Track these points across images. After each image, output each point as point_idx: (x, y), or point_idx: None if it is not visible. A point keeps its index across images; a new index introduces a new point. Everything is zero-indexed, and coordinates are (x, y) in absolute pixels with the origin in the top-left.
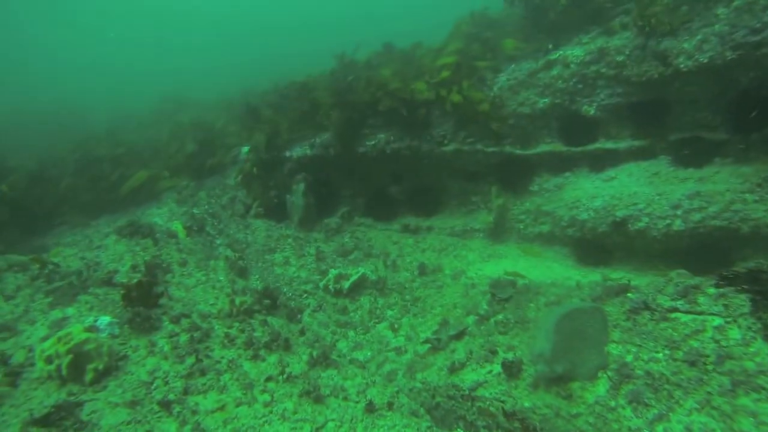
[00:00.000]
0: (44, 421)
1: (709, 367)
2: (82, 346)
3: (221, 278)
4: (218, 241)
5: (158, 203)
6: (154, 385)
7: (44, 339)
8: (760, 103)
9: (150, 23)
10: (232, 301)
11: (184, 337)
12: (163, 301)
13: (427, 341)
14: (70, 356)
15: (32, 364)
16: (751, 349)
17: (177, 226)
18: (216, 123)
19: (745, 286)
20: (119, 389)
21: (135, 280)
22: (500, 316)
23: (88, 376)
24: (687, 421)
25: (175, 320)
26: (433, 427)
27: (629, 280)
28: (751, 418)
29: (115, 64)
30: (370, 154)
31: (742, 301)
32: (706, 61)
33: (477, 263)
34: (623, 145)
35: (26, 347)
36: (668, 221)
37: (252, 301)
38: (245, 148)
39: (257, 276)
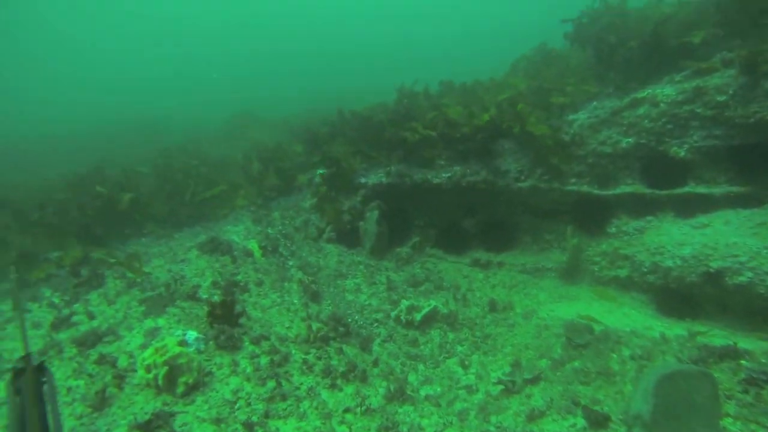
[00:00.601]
0: (145, 426)
1: None
2: (176, 359)
3: (295, 301)
4: (290, 263)
5: (234, 221)
6: (237, 405)
7: (142, 347)
8: None
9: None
10: (309, 327)
11: (264, 360)
12: (242, 320)
13: (500, 382)
14: (166, 368)
15: (134, 370)
16: None
17: (253, 246)
18: (287, 144)
19: None
20: (206, 405)
21: (220, 299)
22: (577, 364)
23: (179, 389)
24: None
25: (256, 341)
26: None
27: (735, 343)
28: None
29: (191, 85)
30: (445, 186)
31: None
32: None
33: (548, 303)
34: (719, 190)
35: (127, 353)
36: None
37: (328, 329)
38: (320, 171)
39: (329, 301)
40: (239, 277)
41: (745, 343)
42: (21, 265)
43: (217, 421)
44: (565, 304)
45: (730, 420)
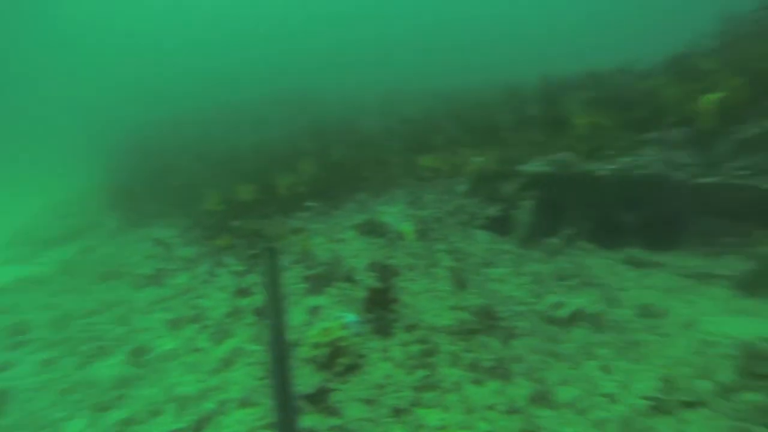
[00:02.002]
0: (312, 398)
1: None
2: (338, 341)
3: (443, 288)
4: (440, 247)
5: (390, 201)
6: (387, 389)
7: (305, 324)
8: None
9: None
10: (457, 318)
11: (414, 348)
12: (395, 306)
13: (646, 397)
14: (329, 348)
15: (298, 345)
16: None
17: (407, 229)
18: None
19: None
20: (359, 386)
21: (378, 286)
22: (756, 396)
23: (338, 368)
24: None
25: (407, 329)
26: None
27: None
28: None
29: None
30: (609, 179)
31: None
32: None
33: (716, 316)
34: None
35: (293, 327)
36: None
37: (476, 320)
38: (477, 158)
39: (476, 290)
40: (393, 261)
41: None
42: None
43: (369, 403)
44: (740, 320)
45: None
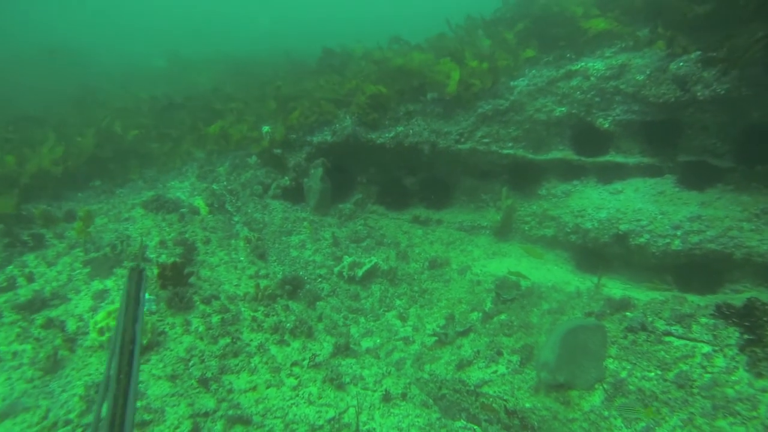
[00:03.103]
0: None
1: (695, 390)
2: None
3: (242, 258)
4: (236, 219)
5: (180, 176)
6: (192, 362)
7: (91, 310)
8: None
9: None
10: (257, 286)
11: (215, 318)
12: (192, 280)
13: (434, 334)
14: None
15: (85, 333)
16: (733, 378)
17: (199, 203)
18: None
19: (735, 320)
20: (161, 363)
21: (170, 261)
22: (504, 317)
23: None
24: None
25: (206, 301)
26: (443, 418)
27: (629, 297)
28: None
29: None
30: (388, 146)
31: (730, 333)
32: (722, 93)
33: (482, 259)
34: (632, 160)
35: (76, 316)
36: (668, 240)
37: (275, 286)
38: (266, 128)
39: (275, 258)
40: (187, 236)
41: (637, 293)
42: None
43: (173, 378)
44: (497, 261)
45: (611, 360)
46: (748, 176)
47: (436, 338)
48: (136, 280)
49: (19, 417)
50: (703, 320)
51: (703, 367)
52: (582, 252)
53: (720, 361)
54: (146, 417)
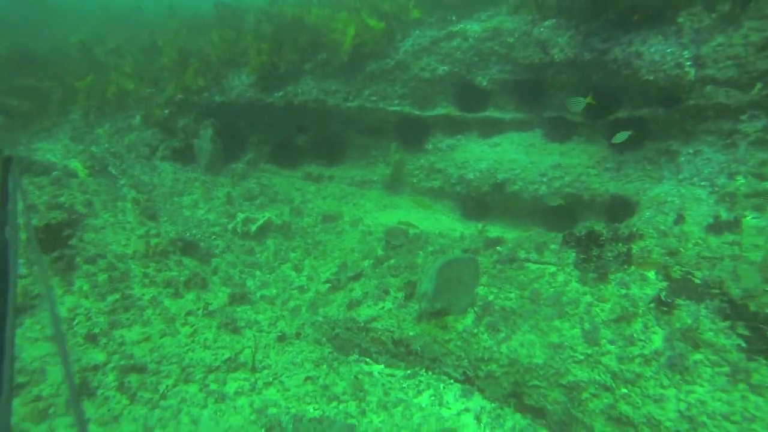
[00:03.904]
0: None
1: (541, 302)
2: None
3: (130, 219)
4: (122, 182)
5: (49, 138)
6: (76, 321)
7: None
8: (604, 97)
9: None
10: (147, 243)
11: (102, 277)
12: (73, 242)
13: (327, 281)
14: None
15: None
16: (568, 288)
17: (76, 165)
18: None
19: (572, 245)
20: (37, 326)
21: (42, 223)
22: (392, 261)
23: None
24: (522, 339)
25: (91, 261)
26: (334, 351)
27: (502, 236)
28: (556, 333)
29: None
30: (278, 105)
31: (569, 254)
32: (572, 56)
33: (374, 212)
34: (508, 116)
35: None
36: (536, 186)
37: (166, 243)
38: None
39: (167, 218)
40: (63, 199)
41: (510, 234)
42: None
43: (53, 338)
44: (388, 213)
45: (482, 287)
46: (594, 130)
47: (329, 285)
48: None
49: None
50: (552, 246)
51: (549, 283)
52: (467, 201)
53: (561, 277)
54: (22, 380)
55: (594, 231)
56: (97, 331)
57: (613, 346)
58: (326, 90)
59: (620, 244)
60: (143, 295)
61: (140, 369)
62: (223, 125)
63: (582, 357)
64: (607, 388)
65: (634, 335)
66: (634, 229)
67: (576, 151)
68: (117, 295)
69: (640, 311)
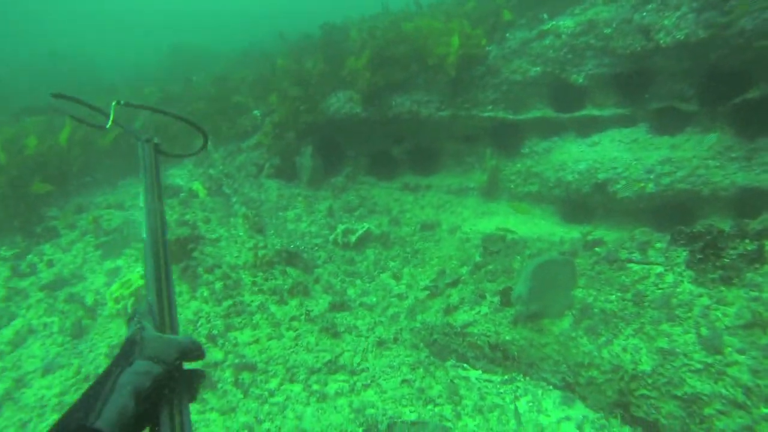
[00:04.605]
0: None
1: (646, 304)
2: (140, 290)
3: (241, 233)
4: (234, 199)
5: (179, 164)
6: (199, 323)
7: (106, 284)
8: (726, 78)
9: None
10: (256, 254)
11: (218, 285)
12: (196, 254)
13: (426, 288)
14: (133, 298)
15: (103, 304)
16: (678, 290)
17: (197, 186)
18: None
19: (683, 243)
20: None
21: (173, 238)
22: (490, 267)
23: None
24: (624, 344)
25: (210, 271)
26: (431, 356)
27: (602, 237)
28: (665, 338)
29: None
30: (373, 118)
31: (679, 253)
32: (682, 38)
33: (471, 219)
34: (607, 112)
35: (93, 290)
36: (642, 184)
37: (272, 254)
38: (257, 111)
39: (273, 231)
40: (188, 217)
41: (612, 235)
42: None
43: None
44: (486, 219)
45: (580, 289)
46: (713, 117)
47: (428, 292)
48: (149, 152)
49: (57, 372)
50: (658, 245)
51: (655, 285)
52: (566, 204)
53: (669, 278)
54: None
55: (712, 226)
56: (215, 332)
57: (743, 357)
58: (419, 101)
59: (747, 241)
60: (252, 301)
61: (251, 368)
62: (323, 141)
63: (700, 366)
64: (740, 406)
65: None
66: None
67: (690, 142)
68: (231, 301)
69: None
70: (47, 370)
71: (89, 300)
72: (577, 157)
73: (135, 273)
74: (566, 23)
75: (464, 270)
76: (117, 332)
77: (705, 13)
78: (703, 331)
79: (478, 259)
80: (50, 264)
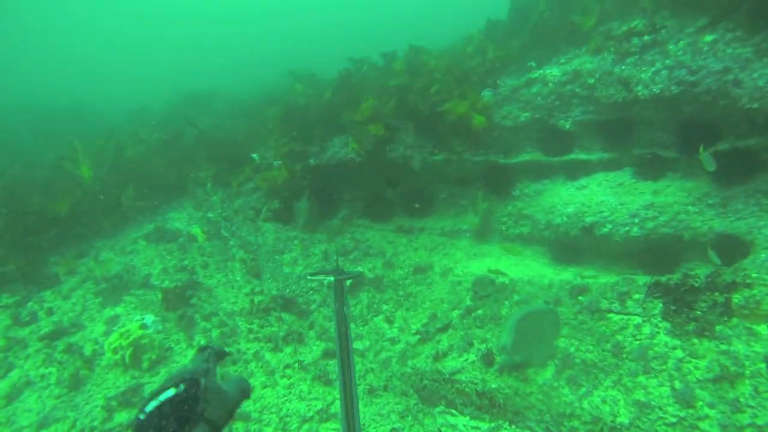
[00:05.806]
0: (123, 395)
1: (624, 355)
2: (139, 340)
3: (238, 278)
4: (232, 243)
5: (177, 207)
6: None
7: (105, 334)
8: (699, 130)
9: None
10: (252, 301)
11: (215, 333)
12: (193, 300)
13: (417, 333)
14: (131, 348)
15: (101, 354)
16: (654, 341)
17: (196, 231)
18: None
19: (658, 294)
20: (168, 374)
21: (172, 285)
22: (479, 312)
23: (145, 364)
24: (604, 395)
25: (207, 318)
26: (419, 403)
27: (588, 284)
28: (642, 390)
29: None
30: (367, 162)
31: (656, 305)
32: (657, 92)
33: (464, 261)
34: (595, 156)
35: (92, 340)
36: (627, 228)
37: (268, 300)
38: (255, 155)
39: (269, 275)
40: (186, 262)
41: (601, 278)
42: None
43: None
44: (478, 261)
45: (563, 339)
46: (691, 164)
47: (419, 336)
48: (339, 286)
49: (51, 427)
50: (636, 296)
51: (633, 336)
52: (556, 246)
53: (647, 329)
54: None
55: (687, 276)
56: None
57: (713, 411)
58: (412, 146)
59: (717, 294)
60: (248, 349)
61: (245, 417)
62: (319, 184)
63: (674, 419)
64: None
65: (741, 400)
66: (740, 276)
67: (671, 188)
68: (228, 349)
69: (747, 372)
70: (42, 425)
71: (87, 350)
72: (566, 200)
73: (134, 323)
74: (553, 72)
75: (455, 314)
76: (114, 383)
77: (676, 71)
78: (677, 384)
79: (468, 303)
80: (50, 312)
